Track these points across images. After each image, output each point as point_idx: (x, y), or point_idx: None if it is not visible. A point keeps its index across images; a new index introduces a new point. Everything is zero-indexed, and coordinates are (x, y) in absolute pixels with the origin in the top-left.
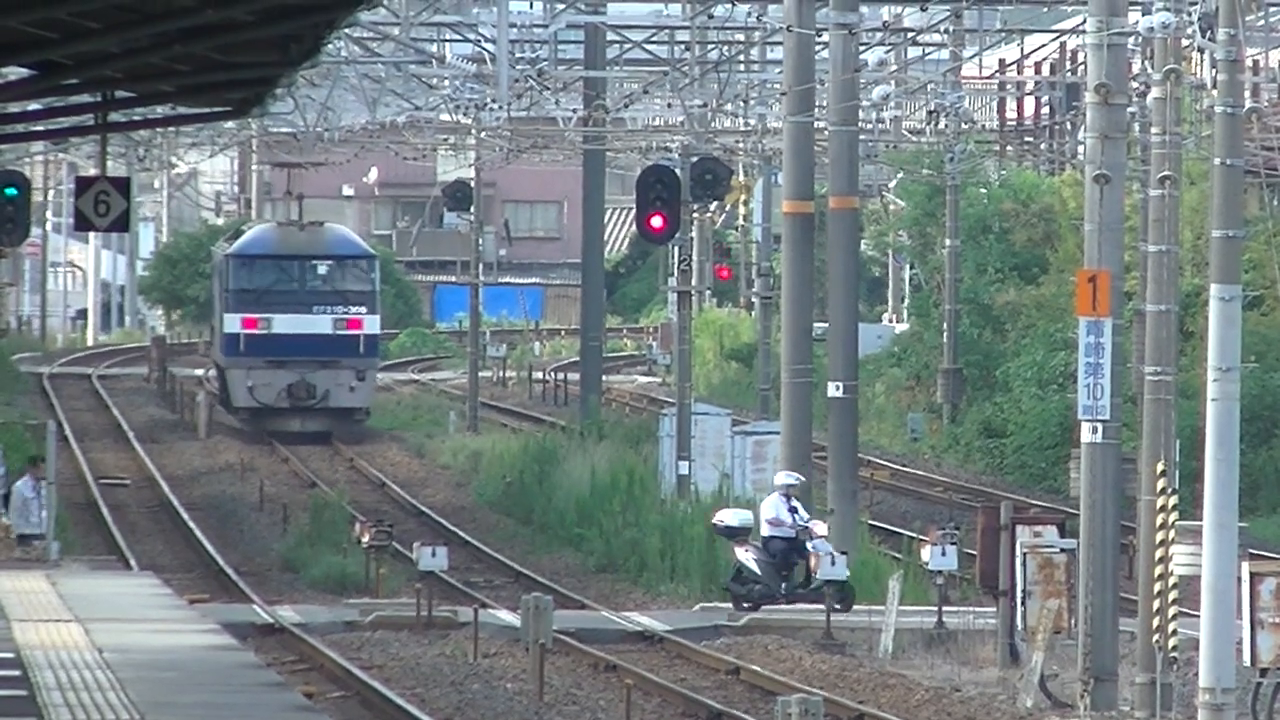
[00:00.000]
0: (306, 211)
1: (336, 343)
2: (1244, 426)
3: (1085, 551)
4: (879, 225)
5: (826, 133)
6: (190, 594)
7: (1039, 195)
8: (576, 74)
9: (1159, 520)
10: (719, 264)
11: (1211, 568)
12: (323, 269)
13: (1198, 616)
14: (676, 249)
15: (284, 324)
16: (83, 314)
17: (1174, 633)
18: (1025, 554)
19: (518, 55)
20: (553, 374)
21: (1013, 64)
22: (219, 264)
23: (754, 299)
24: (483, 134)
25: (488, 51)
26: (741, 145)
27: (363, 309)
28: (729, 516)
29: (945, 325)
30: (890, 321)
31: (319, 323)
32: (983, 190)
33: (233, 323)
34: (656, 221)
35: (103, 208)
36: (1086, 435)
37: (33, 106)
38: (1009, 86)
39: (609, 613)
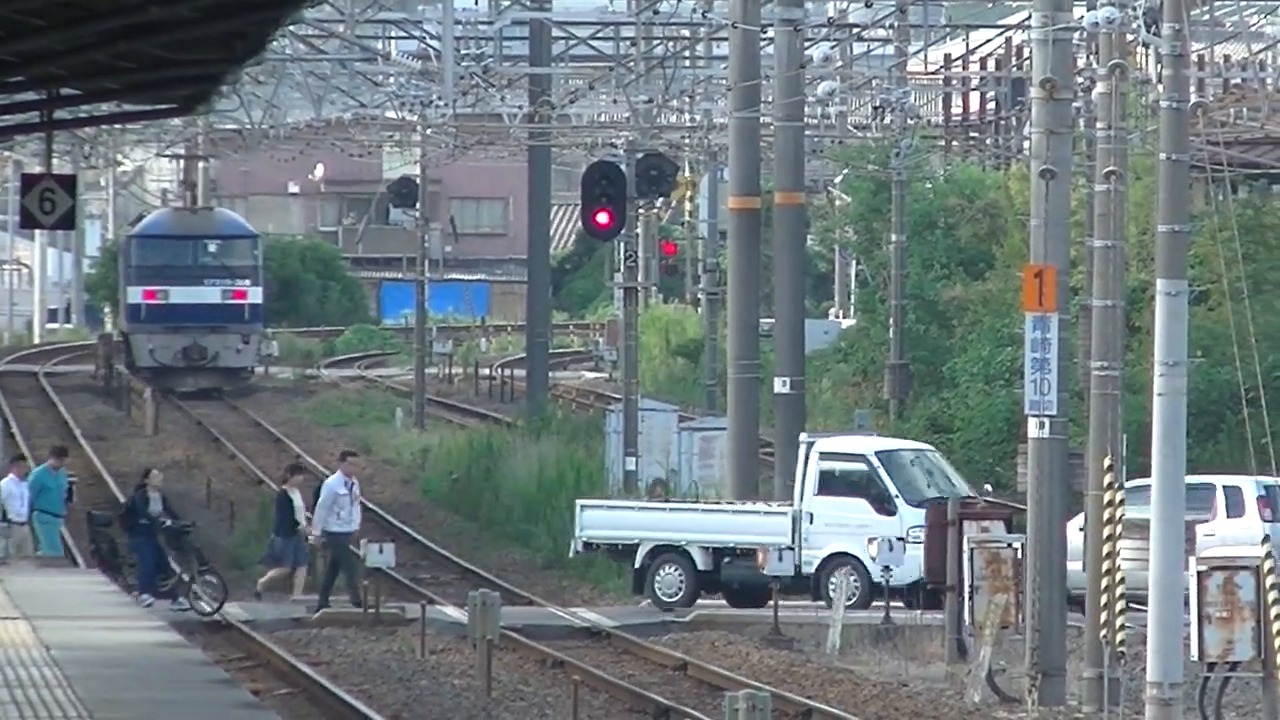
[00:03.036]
0: (252, 209)
1: (225, 311)
2: (1191, 421)
3: (1032, 546)
4: (825, 221)
5: (772, 128)
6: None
7: (985, 190)
8: (522, 70)
9: (1106, 515)
10: (664, 239)
11: (1159, 563)
12: (212, 247)
13: (1145, 611)
14: (622, 245)
15: (179, 295)
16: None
17: (1122, 627)
18: (972, 549)
19: (463, 52)
20: (499, 370)
21: (958, 59)
22: (123, 244)
23: (700, 295)
24: (428, 131)
25: (433, 48)
26: (687, 141)
27: (247, 281)
28: None
29: (892, 321)
30: (837, 317)
31: (209, 294)
32: (928, 186)
33: (135, 294)
34: (602, 218)
35: (48, 205)
36: (1033, 430)
37: None
38: (954, 82)
39: (556, 609)
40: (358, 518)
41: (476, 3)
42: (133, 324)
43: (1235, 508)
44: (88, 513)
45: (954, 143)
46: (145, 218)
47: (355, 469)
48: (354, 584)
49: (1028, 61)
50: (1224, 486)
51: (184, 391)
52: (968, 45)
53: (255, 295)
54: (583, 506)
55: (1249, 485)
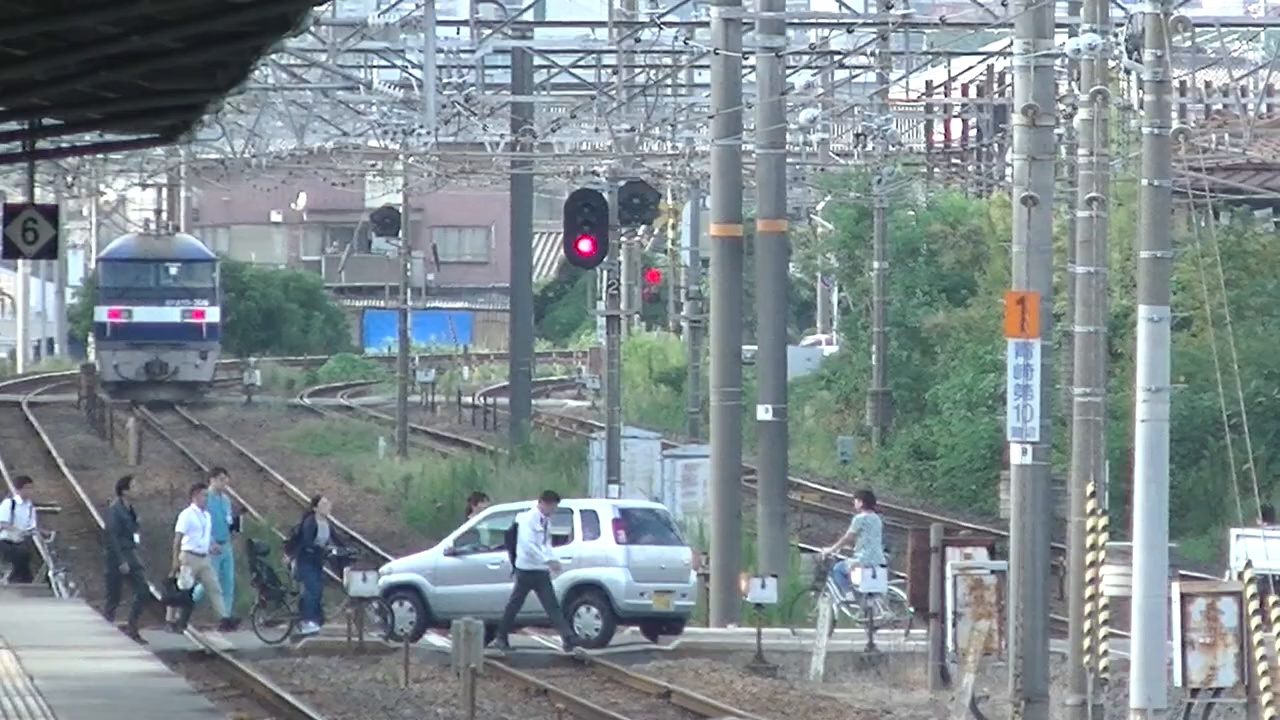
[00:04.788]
0: (234, 238)
1: (184, 329)
2: (1173, 447)
3: (1015, 573)
4: (807, 248)
5: (754, 156)
6: (120, 621)
7: (967, 217)
8: (504, 99)
9: (1089, 541)
10: (647, 268)
11: (1142, 588)
12: (173, 270)
13: (1128, 637)
14: (605, 273)
15: (142, 314)
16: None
17: (1105, 654)
18: (955, 576)
19: (445, 81)
20: (482, 398)
21: (940, 86)
22: (94, 267)
23: (683, 322)
24: (410, 159)
25: (415, 77)
26: (669, 169)
27: (205, 302)
28: None
29: (874, 348)
30: (827, 344)
31: (170, 313)
32: (911, 212)
33: (102, 313)
34: (585, 245)
35: (31, 235)
36: (1016, 457)
37: None
38: (936, 109)
39: (540, 636)
40: (549, 556)
41: (458, 32)
42: (99, 341)
43: (591, 530)
44: (247, 540)
45: (936, 169)
46: (112, 242)
47: (551, 509)
48: (557, 620)
49: (1009, 88)
50: (581, 510)
51: (147, 402)
52: (949, 72)
53: (213, 315)
54: None
55: (605, 508)
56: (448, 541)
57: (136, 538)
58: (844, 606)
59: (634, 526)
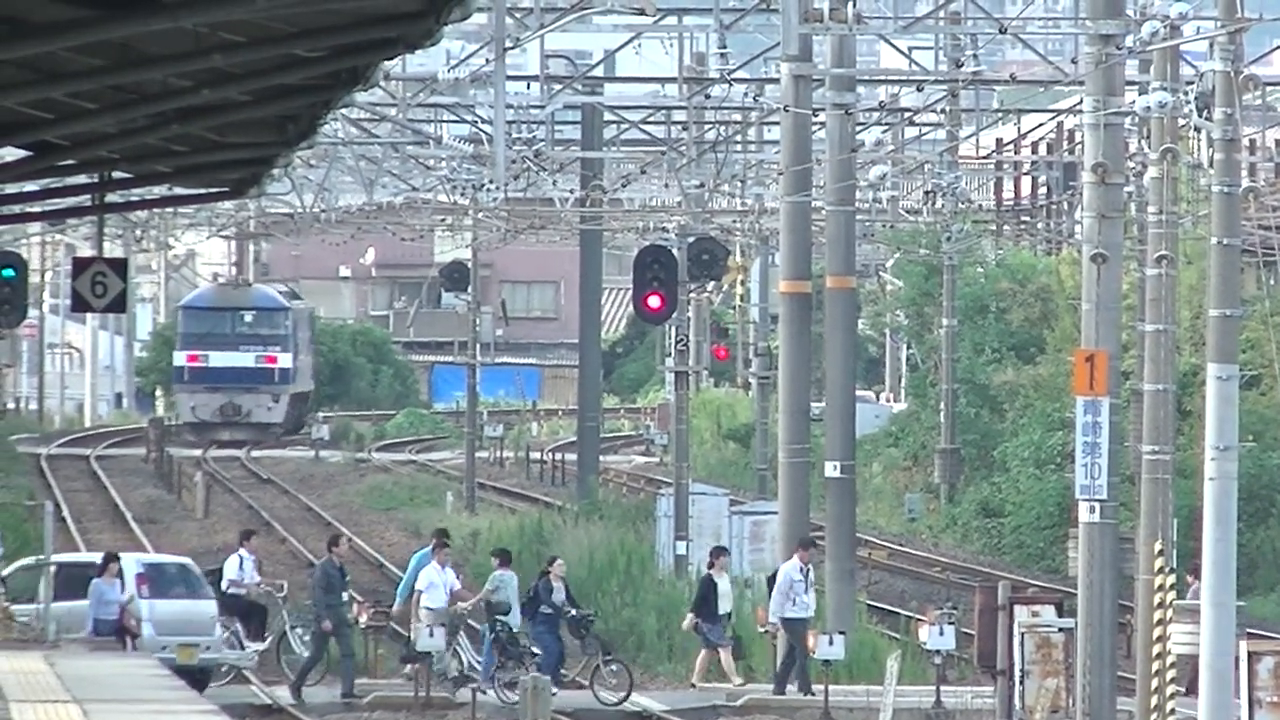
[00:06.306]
0: (303, 292)
1: (257, 373)
2: (1241, 506)
3: (1083, 631)
4: (876, 305)
5: (823, 212)
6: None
7: (1036, 275)
8: (573, 154)
9: (1157, 599)
10: (716, 344)
11: (1210, 647)
12: (248, 317)
13: (1196, 696)
14: (674, 329)
15: (218, 359)
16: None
17: (1172, 712)
18: (1023, 633)
19: (515, 136)
20: (550, 454)
21: (1010, 143)
22: (174, 314)
23: (751, 379)
24: (480, 214)
25: (485, 132)
26: (738, 225)
27: (278, 348)
28: None
29: (943, 405)
30: (886, 401)
31: (244, 358)
32: (980, 270)
33: (180, 358)
34: (654, 301)
35: (100, 289)
36: (1084, 515)
37: (30, 187)
38: (1006, 166)
39: (607, 692)
40: (813, 604)
41: (529, 87)
42: (178, 384)
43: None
44: (485, 600)
45: (1005, 227)
46: (192, 292)
47: (811, 557)
48: (803, 671)
49: (1079, 146)
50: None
51: (222, 442)
52: (1019, 129)
53: (285, 360)
54: None
55: (130, 562)
56: None
57: (346, 595)
58: (474, 664)
59: (159, 581)
